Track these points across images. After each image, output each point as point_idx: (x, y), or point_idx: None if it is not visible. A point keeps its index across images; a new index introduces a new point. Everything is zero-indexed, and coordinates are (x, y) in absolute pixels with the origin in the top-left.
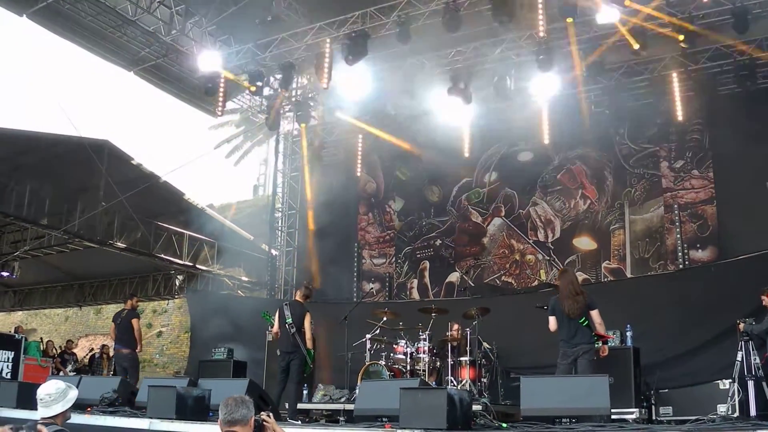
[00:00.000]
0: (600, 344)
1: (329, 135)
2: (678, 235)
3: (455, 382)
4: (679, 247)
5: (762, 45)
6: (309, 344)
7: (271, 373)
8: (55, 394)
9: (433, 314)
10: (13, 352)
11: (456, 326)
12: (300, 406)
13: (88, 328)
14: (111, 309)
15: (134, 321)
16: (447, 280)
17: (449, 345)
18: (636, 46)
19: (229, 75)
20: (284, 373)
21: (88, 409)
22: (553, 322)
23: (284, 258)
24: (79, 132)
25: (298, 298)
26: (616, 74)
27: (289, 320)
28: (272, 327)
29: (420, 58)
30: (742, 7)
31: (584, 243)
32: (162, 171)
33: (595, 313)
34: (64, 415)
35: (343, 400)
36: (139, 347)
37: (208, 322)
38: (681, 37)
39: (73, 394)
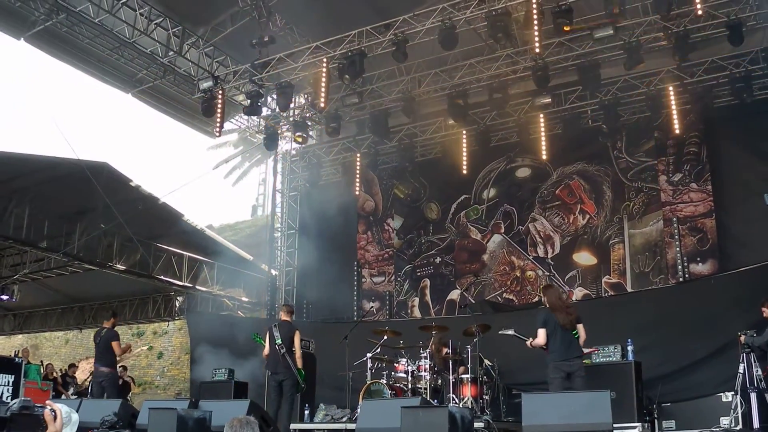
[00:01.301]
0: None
1: (327, 154)
2: (678, 249)
3: (457, 400)
4: (679, 261)
5: (757, 57)
6: (299, 363)
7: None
8: (65, 418)
9: (434, 332)
10: (13, 376)
11: (434, 341)
12: (301, 426)
13: (89, 351)
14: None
15: (114, 344)
16: (448, 298)
17: (450, 362)
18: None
19: (226, 96)
20: (277, 393)
21: None
22: (543, 335)
23: (284, 278)
24: (77, 154)
25: (285, 318)
26: (613, 88)
27: (278, 341)
28: (264, 346)
29: (416, 75)
30: (737, 20)
31: (584, 258)
32: (161, 192)
33: (581, 327)
34: None
35: (344, 419)
36: (119, 357)
37: (209, 343)
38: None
39: (76, 417)
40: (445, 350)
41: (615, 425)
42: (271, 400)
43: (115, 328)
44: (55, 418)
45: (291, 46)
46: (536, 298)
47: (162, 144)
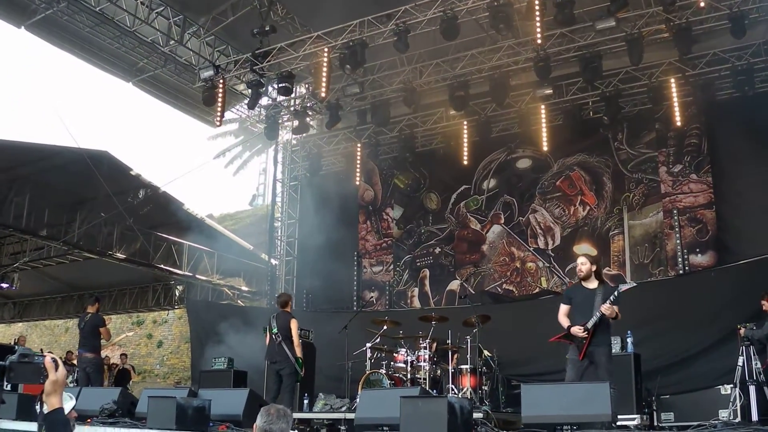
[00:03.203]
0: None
1: (327, 144)
2: (678, 240)
3: (456, 390)
4: (679, 252)
5: (759, 50)
6: (298, 352)
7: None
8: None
9: (434, 322)
10: None
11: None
12: (301, 415)
13: None
14: (110, 320)
15: (103, 330)
16: (448, 288)
17: (449, 353)
18: None
19: (227, 85)
20: (277, 383)
21: (88, 420)
22: None
23: (284, 267)
24: (78, 143)
25: (283, 307)
26: (614, 80)
27: (275, 330)
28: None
29: (418, 66)
30: (739, 13)
31: (584, 250)
32: (161, 181)
33: None
34: None
35: (343, 409)
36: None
37: (208, 331)
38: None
39: (70, 404)
40: (435, 345)
41: None
42: (270, 390)
43: (113, 317)
44: (56, 366)
45: (292, 36)
46: (536, 290)
47: (162, 133)
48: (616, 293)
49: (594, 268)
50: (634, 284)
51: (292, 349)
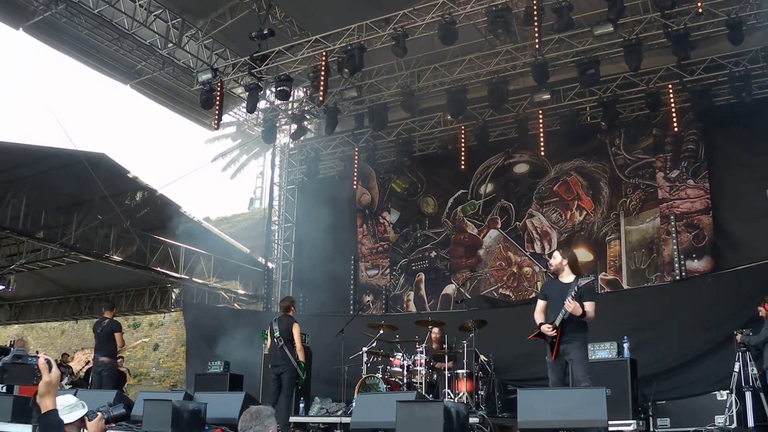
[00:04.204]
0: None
1: (325, 148)
2: (674, 246)
3: (452, 395)
4: (676, 258)
5: (757, 56)
6: (300, 356)
7: (268, 386)
8: (74, 405)
9: (430, 327)
10: None
11: (435, 330)
12: (297, 419)
13: (84, 342)
14: None
15: (117, 335)
16: (443, 293)
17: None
18: None
19: (225, 88)
20: (276, 386)
21: None
22: None
23: (281, 271)
24: (75, 145)
25: (286, 312)
26: (612, 86)
27: (277, 334)
28: (266, 342)
29: (416, 70)
30: (737, 19)
31: (581, 255)
32: (158, 184)
33: None
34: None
35: (339, 413)
36: (120, 348)
37: (205, 335)
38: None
39: (81, 412)
40: (436, 345)
41: (610, 422)
42: (270, 393)
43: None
44: (50, 368)
45: (290, 39)
46: (533, 295)
47: (160, 136)
48: (576, 288)
49: (566, 261)
50: (592, 277)
51: (294, 353)
